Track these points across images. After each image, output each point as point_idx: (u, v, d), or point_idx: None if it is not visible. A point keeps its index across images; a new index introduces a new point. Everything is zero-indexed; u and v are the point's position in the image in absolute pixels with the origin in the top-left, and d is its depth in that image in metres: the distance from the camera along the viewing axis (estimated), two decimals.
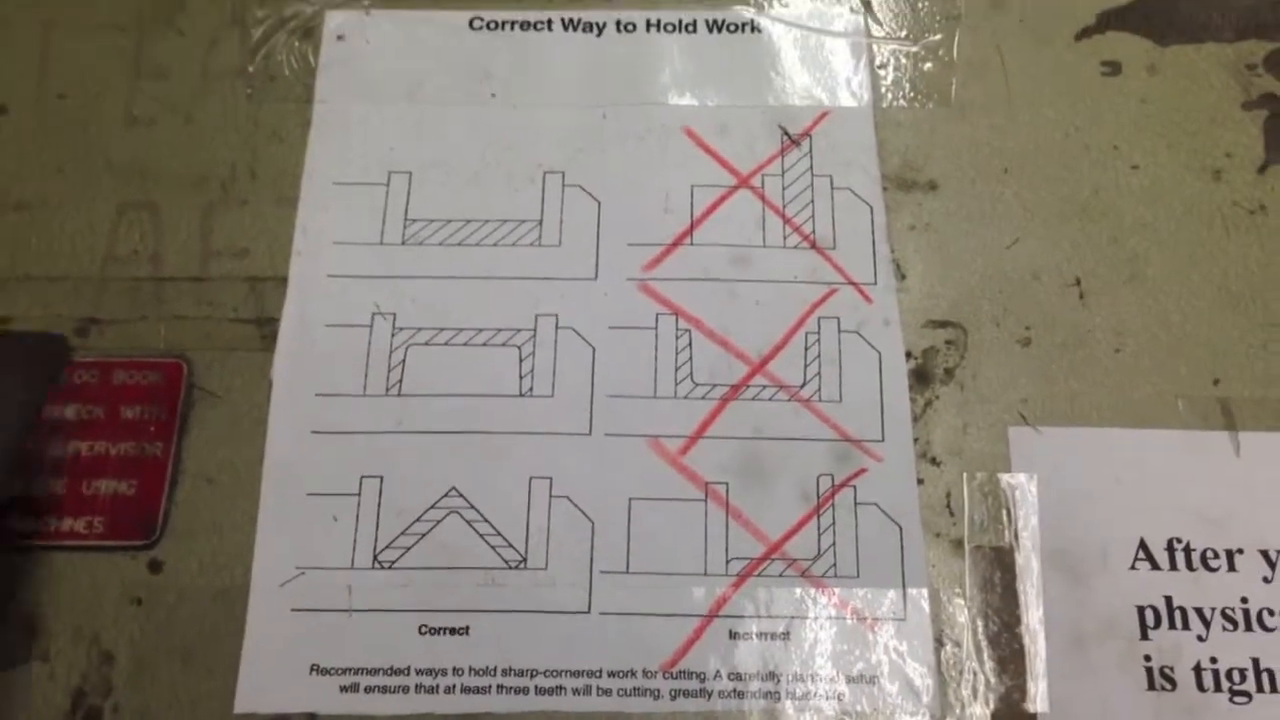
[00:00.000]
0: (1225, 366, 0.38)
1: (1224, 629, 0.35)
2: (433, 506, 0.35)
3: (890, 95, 0.41)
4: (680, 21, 0.42)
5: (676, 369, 0.37)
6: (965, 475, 0.36)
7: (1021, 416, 0.37)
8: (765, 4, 0.43)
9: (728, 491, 0.36)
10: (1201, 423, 0.37)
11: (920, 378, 0.37)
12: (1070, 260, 0.39)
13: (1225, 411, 0.37)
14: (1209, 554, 0.35)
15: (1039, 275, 0.39)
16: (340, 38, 0.42)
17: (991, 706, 0.34)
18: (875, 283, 0.38)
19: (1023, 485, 0.36)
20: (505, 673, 0.34)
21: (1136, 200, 0.40)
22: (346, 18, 0.42)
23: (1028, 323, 0.38)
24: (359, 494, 0.35)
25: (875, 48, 0.42)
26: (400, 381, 0.37)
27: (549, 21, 0.42)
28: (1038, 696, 0.34)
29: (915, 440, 0.37)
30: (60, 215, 0.39)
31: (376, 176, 0.40)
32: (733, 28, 0.42)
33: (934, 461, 0.36)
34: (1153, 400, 0.37)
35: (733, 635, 0.34)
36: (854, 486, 0.36)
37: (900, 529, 0.35)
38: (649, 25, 0.42)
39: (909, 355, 0.38)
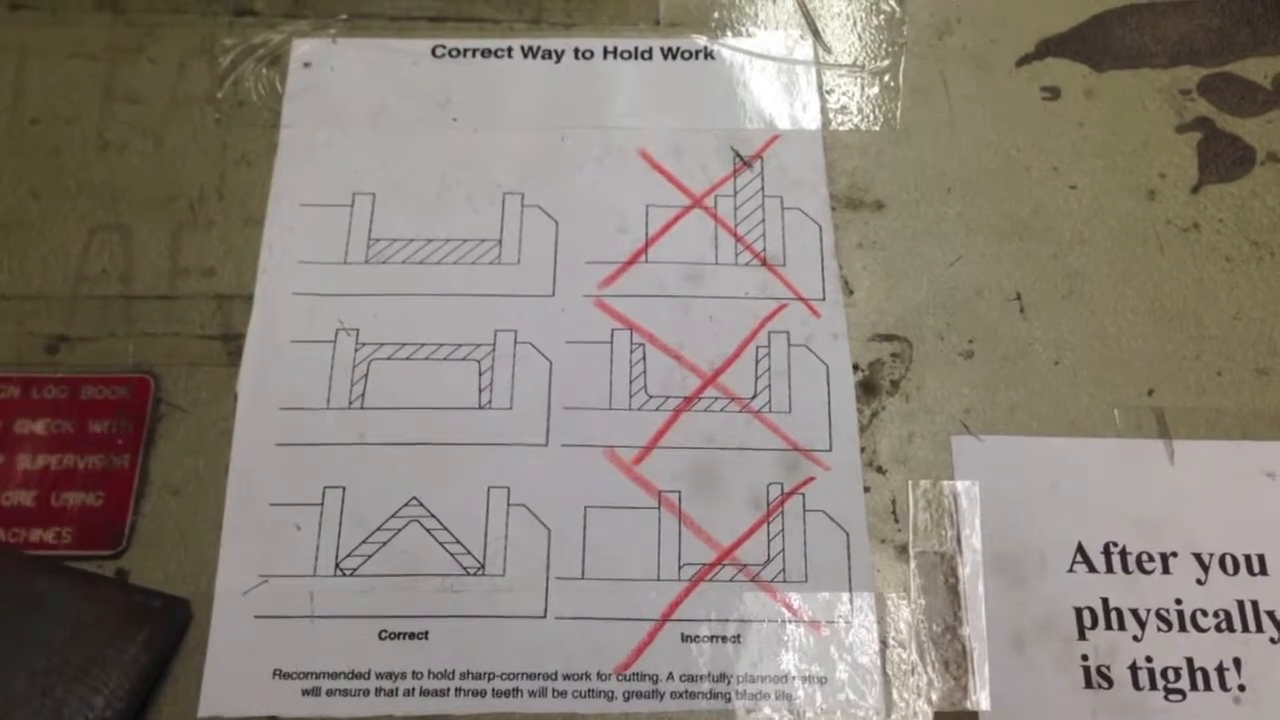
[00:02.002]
0: (1160, 378, 0.39)
1: (1159, 629, 0.36)
2: (393, 516, 0.36)
3: (838, 119, 0.43)
4: (636, 49, 0.44)
5: (631, 382, 0.38)
6: (910, 483, 0.38)
7: (964, 426, 0.38)
8: (718, 32, 0.44)
9: (680, 499, 0.37)
10: (1137, 431, 0.38)
11: (867, 389, 0.39)
12: (1011, 276, 0.41)
13: (1160, 420, 0.38)
14: (1144, 557, 0.37)
15: (981, 291, 0.40)
16: (306, 65, 0.43)
17: (935, 705, 0.35)
18: (824, 298, 0.40)
19: (965, 492, 0.37)
20: (463, 676, 0.35)
21: (1075, 219, 0.41)
22: (313, 46, 0.43)
23: (970, 336, 0.40)
24: (322, 504, 0.36)
25: (824, 74, 0.44)
26: (363, 395, 0.38)
27: (509, 49, 0.44)
28: (980, 695, 0.35)
29: (862, 450, 0.38)
30: (33, 236, 0.40)
31: (341, 198, 0.41)
32: (687, 55, 0.44)
33: (880, 470, 0.38)
34: (1090, 410, 0.38)
35: (685, 638, 0.35)
36: (803, 494, 0.37)
37: (847, 535, 0.37)
38: (606, 53, 0.44)
39: (856, 368, 0.39)
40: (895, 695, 0.35)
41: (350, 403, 0.38)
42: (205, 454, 0.37)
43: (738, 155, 0.42)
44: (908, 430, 0.38)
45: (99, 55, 0.43)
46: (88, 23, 0.44)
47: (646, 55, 0.44)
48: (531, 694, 0.35)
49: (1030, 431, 0.38)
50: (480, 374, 0.38)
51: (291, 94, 0.43)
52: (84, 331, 0.39)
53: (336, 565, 0.36)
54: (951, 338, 0.40)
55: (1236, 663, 0.35)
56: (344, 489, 0.37)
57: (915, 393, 0.39)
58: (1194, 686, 0.35)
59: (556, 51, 0.44)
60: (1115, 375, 0.39)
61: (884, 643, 0.35)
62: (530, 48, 0.44)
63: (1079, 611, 0.36)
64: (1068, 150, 0.43)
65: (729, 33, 0.44)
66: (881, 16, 0.45)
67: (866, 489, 0.37)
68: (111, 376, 0.38)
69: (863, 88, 0.44)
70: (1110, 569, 0.37)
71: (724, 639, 0.35)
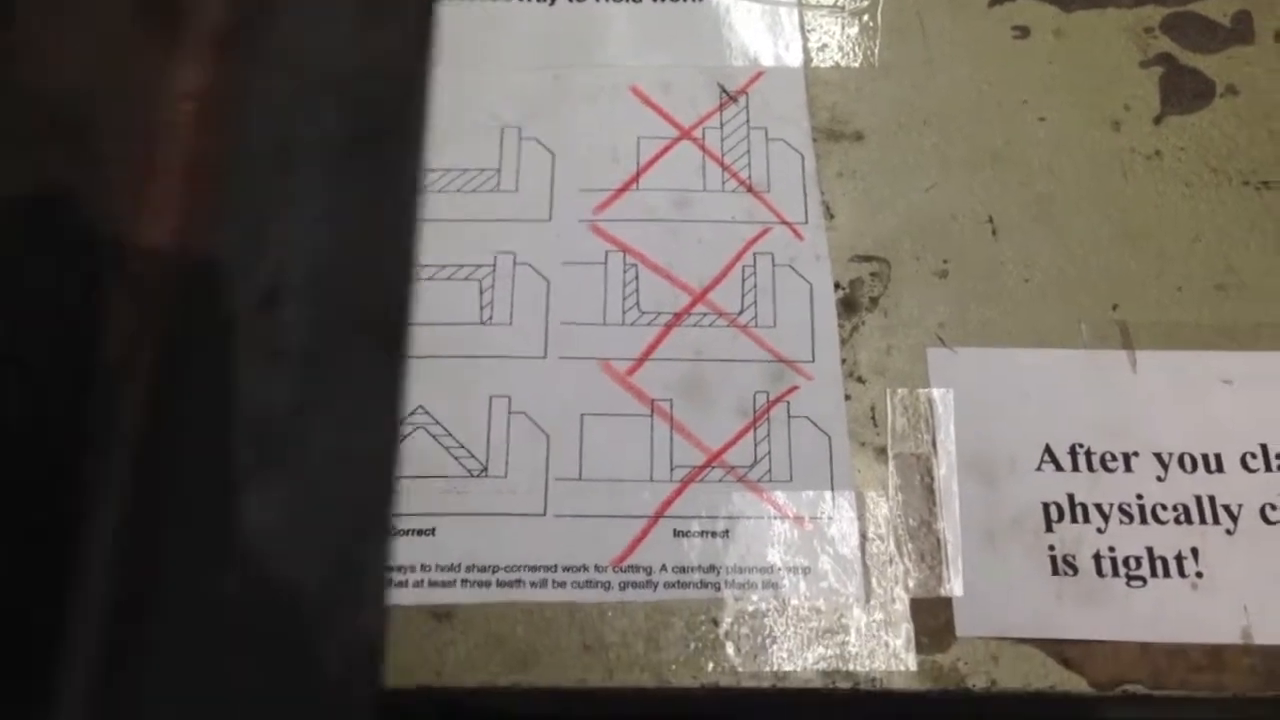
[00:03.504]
0: (1123, 294, 0.41)
1: (1121, 522, 0.38)
2: (401, 423, 0.39)
3: (820, 57, 0.45)
4: None
5: (624, 299, 0.41)
6: (888, 391, 0.40)
7: (939, 339, 0.41)
8: None
9: (672, 407, 0.39)
10: (1102, 343, 0.41)
11: (847, 306, 0.41)
12: (983, 202, 0.43)
13: (1123, 333, 0.41)
14: (1108, 457, 0.39)
15: (955, 215, 0.43)
16: None
17: (911, 592, 0.37)
18: (806, 222, 0.42)
19: (940, 399, 0.40)
20: (469, 569, 0.37)
21: (1044, 149, 0.44)
22: None
23: (945, 257, 0.42)
24: None
25: (806, 15, 0.46)
26: None
27: None
28: (953, 583, 0.37)
29: (843, 361, 0.40)
30: None
31: None
32: None
33: (860, 380, 0.40)
34: (1058, 324, 0.41)
35: (676, 534, 0.38)
36: (787, 402, 0.39)
37: (829, 439, 0.39)
38: None
39: (837, 286, 0.41)
40: (874, 584, 0.37)
41: None
42: None
43: (724, 90, 0.44)
44: (886, 343, 0.41)
45: None
46: None
47: None
48: (533, 584, 0.37)
49: (1001, 344, 0.40)
50: (481, 292, 0.41)
51: None
52: None
53: None
54: (927, 258, 0.42)
55: (1194, 552, 0.38)
56: None
57: (893, 309, 0.41)
58: (1154, 573, 0.38)
59: None
60: (1081, 292, 0.41)
61: (864, 536, 0.38)
62: None
63: (1046, 506, 0.38)
64: (1037, 85, 0.45)
65: None
66: None
67: (847, 397, 0.40)
68: None
69: (843, 27, 0.46)
70: (1076, 468, 0.39)
71: (713, 534, 0.38)
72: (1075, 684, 0.36)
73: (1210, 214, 0.43)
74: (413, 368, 0.39)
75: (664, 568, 0.37)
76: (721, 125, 0.44)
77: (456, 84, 0.44)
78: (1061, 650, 0.36)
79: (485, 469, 0.38)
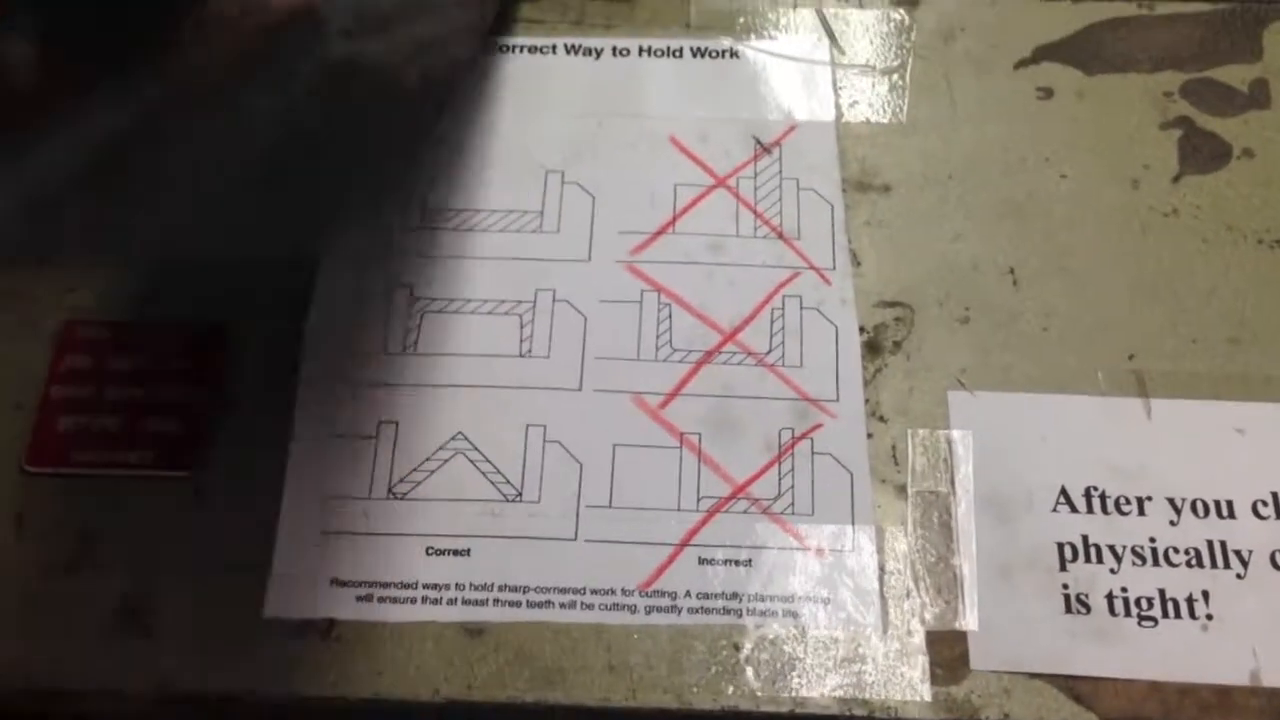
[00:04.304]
0: (1140, 344, 0.43)
1: (1133, 564, 0.39)
2: (441, 448, 0.40)
3: (851, 112, 0.47)
4: (668, 48, 0.49)
5: (658, 337, 0.42)
6: (909, 431, 0.41)
7: (960, 383, 0.42)
8: (743, 35, 0.49)
9: (700, 441, 0.41)
10: (1118, 390, 0.42)
11: (872, 349, 0.43)
12: (1005, 253, 0.45)
13: (1139, 381, 0.42)
14: (1121, 500, 0.40)
15: (978, 265, 0.44)
16: None
17: (928, 625, 0.38)
18: (834, 268, 0.44)
19: (960, 440, 0.41)
20: (501, 589, 0.38)
21: (1065, 204, 0.45)
22: None
23: (967, 304, 0.43)
24: (377, 436, 0.41)
25: (838, 73, 0.48)
26: (416, 342, 0.42)
27: (554, 46, 0.49)
28: (968, 617, 0.38)
29: (866, 401, 0.42)
30: None
31: (402, 171, 0.45)
32: (714, 54, 0.48)
33: (882, 419, 0.41)
34: (1075, 371, 0.42)
35: (701, 561, 0.39)
36: (811, 439, 0.41)
37: (851, 475, 0.40)
38: (641, 51, 0.48)
39: (862, 330, 0.43)
40: (892, 616, 0.38)
41: (405, 349, 0.42)
42: (274, 391, 0.41)
43: (758, 142, 0.46)
44: (908, 385, 0.42)
45: None
46: None
47: (678, 54, 0.48)
48: (562, 605, 0.38)
49: (1020, 389, 0.42)
50: (522, 326, 0.43)
51: None
52: (167, 286, 0.43)
53: (389, 489, 0.40)
54: (950, 305, 0.43)
55: (1205, 595, 0.39)
56: (397, 423, 0.41)
57: (916, 352, 0.43)
58: (1165, 614, 0.39)
59: (596, 49, 0.48)
60: (1099, 341, 0.43)
61: (883, 570, 0.39)
62: (573, 45, 0.49)
63: (1061, 546, 0.40)
64: (1060, 144, 0.47)
65: (752, 35, 0.49)
66: (891, 23, 0.49)
67: (870, 435, 0.41)
68: (191, 322, 0.42)
69: (873, 85, 0.48)
70: (1090, 510, 0.40)
71: (737, 563, 0.39)
72: (1086, 719, 0.37)
73: (1225, 270, 0.44)
74: (454, 396, 0.41)
75: (688, 594, 0.39)
76: (755, 175, 0.46)
77: (505, 130, 0.46)
78: (1073, 686, 0.37)
79: (520, 494, 0.40)
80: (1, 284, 0.43)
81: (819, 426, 0.41)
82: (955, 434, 0.41)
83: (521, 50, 0.49)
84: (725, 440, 0.41)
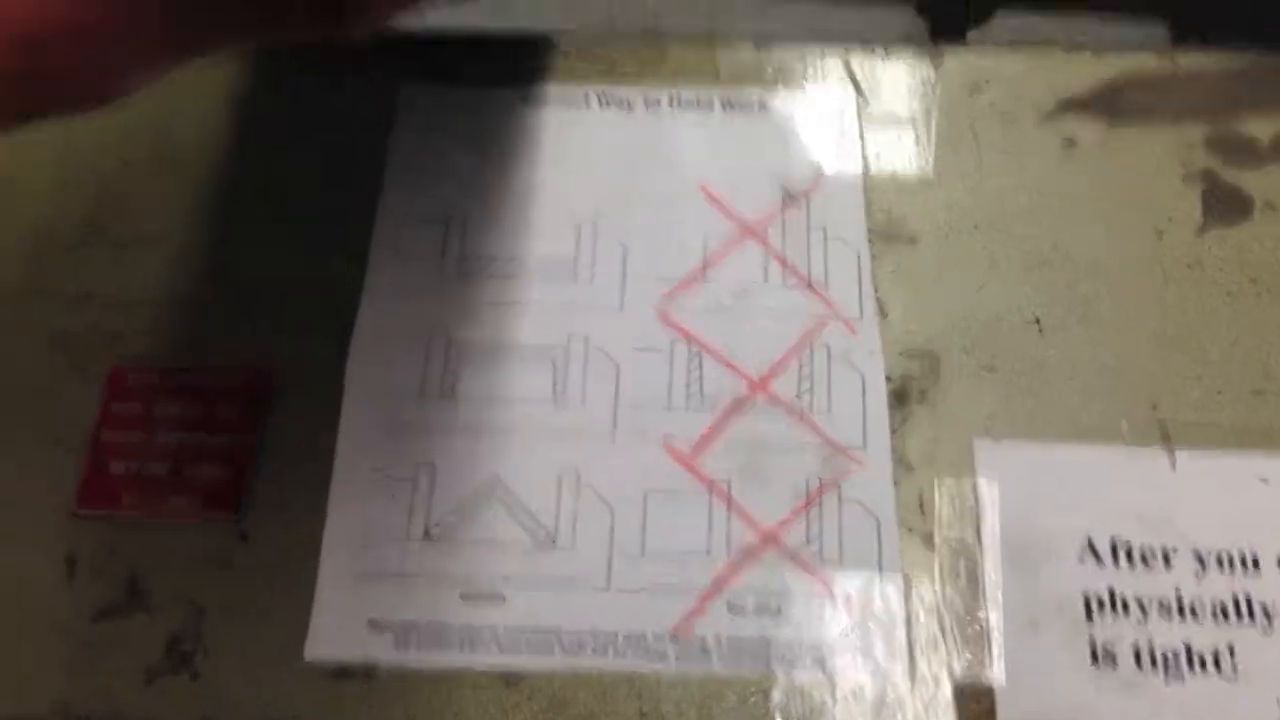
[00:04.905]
0: (1164, 394, 0.43)
1: (1160, 617, 0.40)
2: (477, 491, 0.41)
3: (877, 164, 0.48)
4: (698, 99, 0.50)
5: (688, 384, 0.43)
6: (936, 480, 0.42)
7: (986, 431, 0.43)
8: (771, 85, 0.50)
9: (730, 488, 0.42)
10: (1142, 440, 0.43)
11: (898, 397, 0.43)
12: (1031, 302, 0.45)
13: (1163, 431, 0.43)
14: (1147, 552, 0.41)
15: (1003, 315, 0.45)
16: (413, 106, 0.49)
17: (955, 677, 0.39)
18: (861, 317, 0.45)
19: (985, 489, 0.42)
20: (535, 633, 0.39)
21: (1089, 254, 0.46)
22: (421, 91, 0.50)
23: (993, 353, 0.44)
24: (414, 479, 0.42)
25: (865, 125, 0.49)
26: (454, 386, 0.43)
27: (586, 98, 0.50)
28: (996, 669, 0.39)
29: (893, 449, 0.42)
30: (171, 249, 0.46)
31: (438, 218, 0.47)
32: (743, 105, 0.49)
33: (909, 467, 0.42)
34: (1100, 421, 0.43)
35: (731, 608, 0.40)
36: (839, 487, 0.42)
37: (878, 523, 0.41)
38: (671, 101, 0.50)
39: (889, 378, 0.44)
40: (920, 666, 0.39)
41: (442, 393, 0.43)
42: (315, 436, 0.42)
43: (787, 192, 0.47)
44: (934, 433, 0.43)
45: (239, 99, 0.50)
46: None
47: (707, 105, 0.50)
48: (594, 651, 0.39)
49: (1045, 438, 0.43)
50: (555, 372, 0.44)
51: (397, 131, 0.49)
52: (213, 331, 0.45)
53: (426, 532, 0.41)
54: (975, 354, 0.44)
55: (1230, 649, 0.39)
56: (434, 465, 0.42)
57: (942, 401, 0.43)
58: (1191, 668, 0.39)
59: (627, 100, 0.50)
60: (1123, 391, 0.43)
61: (910, 619, 0.40)
62: (604, 96, 0.50)
63: (1086, 598, 0.40)
64: (1084, 195, 0.48)
65: (781, 87, 0.50)
66: (917, 75, 0.50)
67: (896, 483, 0.42)
68: (237, 367, 0.44)
69: (899, 136, 0.49)
70: (1116, 562, 0.41)
71: (766, 610, 0.40)
72: None
73: (1249, 322, 0.45)
74: (490, 439, 0.42)
75: (719, 641, 0.39)
76: (784, 224, 0.47)
77: (539, 179, 0.48)
78: None
79: (554, 540, 0.41)
80: (52, 327, 0.45)
81: (847, 474, 0.42)
82: (981, 482, 0.42)
83: (554, 103, 0.50)
84: (755, 488, 0.42)
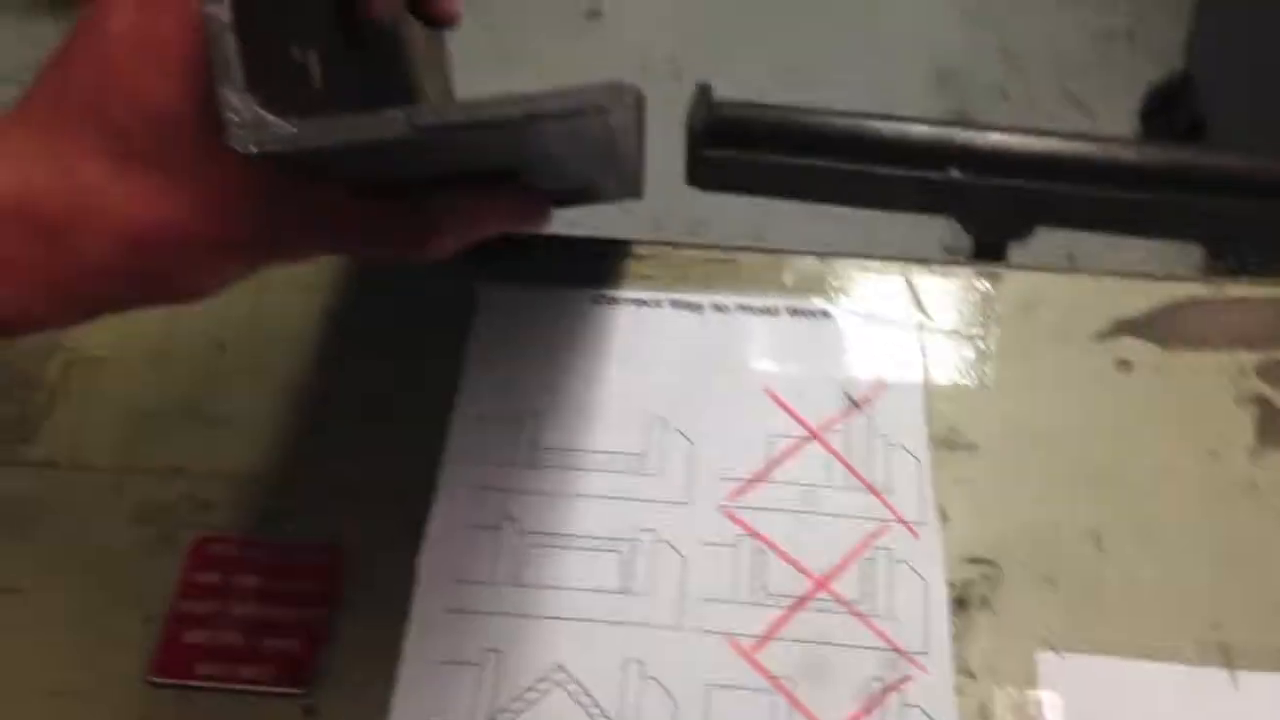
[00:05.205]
0: (1224, 615, 0.44)
1: None
2: (542, 679, 0.42)
3: (938, 374, 0.50)
4: (765, 306, 0.52)
5: (753, 581, 0.44)
6: (997, 690, 0.42)
7: (1047, 643, 0.43)
8: (835, 295, 0.53)
9: (793, 686, 0.42)
10: (1204, 660, 0.43)
11: (960, 604, 0.44)
12: (1089, 517, 0.46)
13: (1224, 652, 0.43)
14: None
15: (1062, 528, 0.46)
16: (492, 305, 0.52)
17: None
18: (923, 522, 0.46)
19: (1049, 703, 0.42)
20: None
21: (1146, 472, 0.47)
22: (498, 290, 0.53)
23: (1053, 566, 0.45)
24: (480, 664, 0.42)
25: (926, 337, 0.51)
26: (522, 573, 0.44)
27: (659, 300, 0.52)
28: None
29: (955, 656, 0.43)
30: (256, 431, 0.49)
31: (515, 414, 0.49)
32: (808, 313, 0.52)
33: (971, 675, 0.42)
34: (1161, 639, 0.43)
35: None
36: (901, 691, 0.42)
37: None
38: (739, 308, 0.52)
39: (951, 584, 0.45)
40: None
41: (511, 579, 0.44)
42: (387, 615, 0.43)
43: (849, 399, 0.49)
44: (996, 642, 0.43)
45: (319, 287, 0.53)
46: None
47: (774, 312, 0.52)
48: None
49: (1107, 652, 0.43)
50: (622, 564, 0.45)
51: (476, 328, 0.51)
52: (294, 507, 0.46)
53: (491, 718, 0.41)
54: (1036, 566, 0.45)
55: None
56: (502, 652, 0.43)
57: (1004, 610, 0.44)
58: None
59: (698, 305, 0.52)
60: (1184, 610, 0.44)
61: None
62: (677, 301, 0.52)
63: None
64: (1138, 414, 0.49)
65: (844, 297, 0.53)
66: (975, 292, 0.53)
67: (958, 691, 0.42)
68: (313, 544, 0.45)
69: (958, 349, 0.51)
70: None
71: None
72: None
73: None
74: (555, 627, 0.43)
75: None
76: (847, 429, 0.48)
77: (612, 376, 0.50)
78: None
79: None
80: (141, 498, 0.46)
81: (908, 679, 0.42)
82: (1044, 695, 0.42)
83: (629, 303, 0.52)
84: (817, 687, 0.42)
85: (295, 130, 0.31)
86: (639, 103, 0.34)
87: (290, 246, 0.36)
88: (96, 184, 0.33)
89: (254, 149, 0.31)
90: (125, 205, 0.33)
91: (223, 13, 0.31)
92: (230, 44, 0.31)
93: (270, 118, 0.31)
